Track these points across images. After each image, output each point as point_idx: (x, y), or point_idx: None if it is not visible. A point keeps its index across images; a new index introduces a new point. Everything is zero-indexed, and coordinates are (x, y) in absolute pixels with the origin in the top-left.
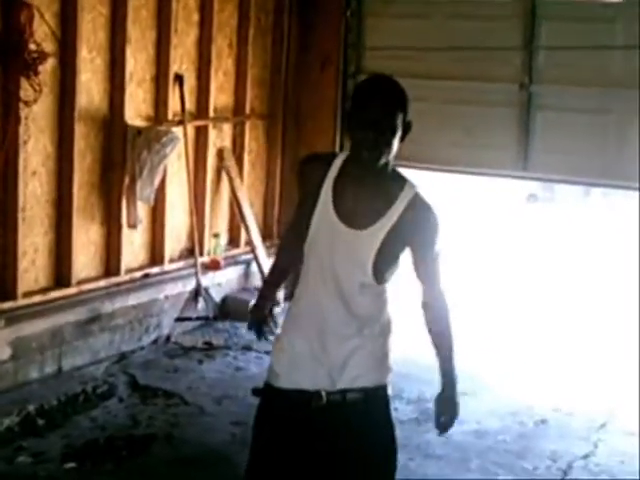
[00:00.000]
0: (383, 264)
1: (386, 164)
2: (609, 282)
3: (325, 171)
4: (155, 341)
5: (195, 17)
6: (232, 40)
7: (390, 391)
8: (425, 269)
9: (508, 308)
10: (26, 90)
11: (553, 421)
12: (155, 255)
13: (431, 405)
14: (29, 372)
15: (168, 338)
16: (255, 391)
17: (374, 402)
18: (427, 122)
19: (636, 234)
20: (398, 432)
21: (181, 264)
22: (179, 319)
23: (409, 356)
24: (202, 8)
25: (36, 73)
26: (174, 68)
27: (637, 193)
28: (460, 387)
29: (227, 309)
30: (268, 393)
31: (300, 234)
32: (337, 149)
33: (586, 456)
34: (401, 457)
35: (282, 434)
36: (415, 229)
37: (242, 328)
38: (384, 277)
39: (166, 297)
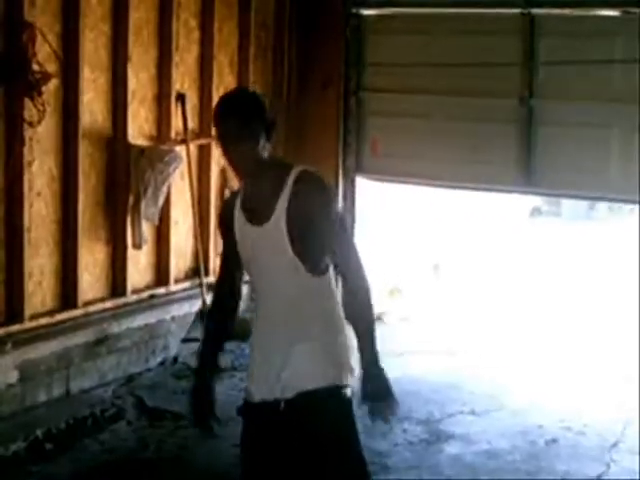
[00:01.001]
0: (304, 248)
1: (262, 161)
2: (614, 296)
3: (234, 198)
4: (162, 362)
5: (196, 35)
6: (233, 58)
7: (349, 392)
8: (332, 243)
9: (513, 323)
10: (30, 111)
11: (564, 440)
12: (161, 275)
13: (441, 426)
14: (37, 395)
15: (175, 359)
16: (239, 410)
17: (328, 403)
18: (428, 138)
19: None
20: (407, 453)
21: (187, 284)
22: (186, 340)
23: (418, 376)
24: (203, 27)
25: (39, 94)
26: (176, 87)
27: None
28: (469, 405)
29: (233, 329)
30: (245, 409)
31: (233, 259)
32: (340, 166)
33: (599, 477)
34: (411, 477)
35: (258, 444)
36: (307, 202)
37: (248, 348)
38: (315, 264)
39: (173, 318)
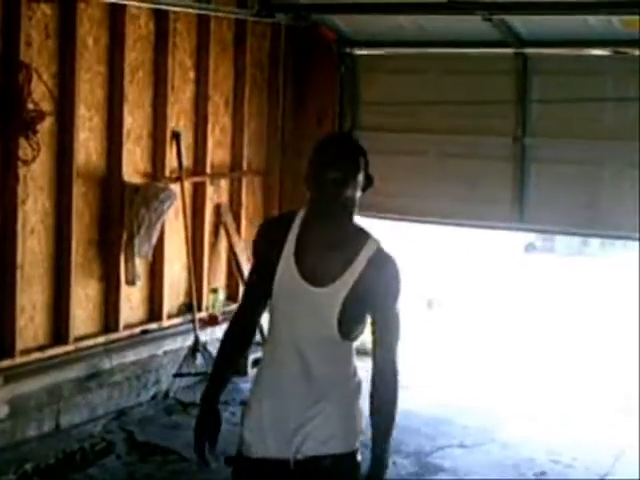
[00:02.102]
0: (348, 321)
1: (347, 219)
2: (607, 330)
3: (286, 230)
4: (154, 397)
5: (191, 75)
6: (228, 97)
7: (359, 457)
8: (382, 332)
9: (507, 357)
10: (25, 149)
11: (552, 473)
12: (154, 311)
13: (431, 459)
14: (27, 430)
15: (167, 394)
16: (227, 460)
17: (341, 470)
18: (423, 176)
19: (634, 284)
20: None
21: (179, 320)
22: (178, 375)
23: (410, 409)
24: (198, 66)
25: (34, 132)
26: (171, 125)
27: (635, 243)
28: (459, 438)
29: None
30: (239, 462)
31: (262, 293)
32: None
33: None
34: None
35: None
36: (376, 287)
37: (240, 383)
38: (350, 334)
39: (165, 353)
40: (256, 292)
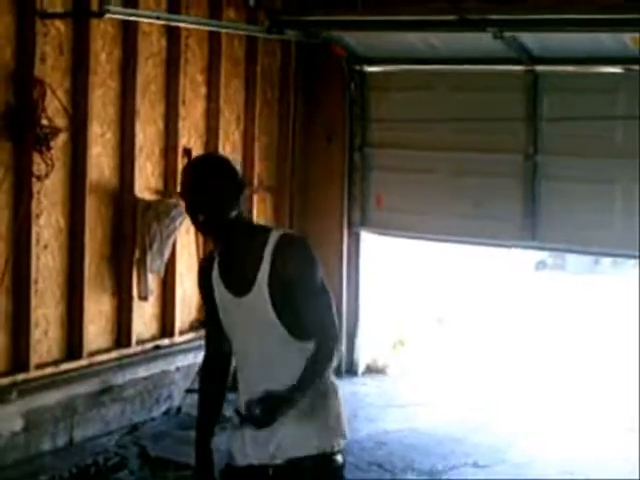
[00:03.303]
0: (284, 312)
1: (238, 226)
2: (617, 349)
3: (211, 263)
4: (166, 412)
5: (202, 91)
6: (239, 113)
7: (340, 458)
8: (310, 309)
9: (518, 375)
10: (38, 165)
11: None
12: (166, 326)
13: (444, 478)
14: (41, 444)
15: (179, 409)
16: (222, 474)
17: (322, 470)
18: (433, 193)
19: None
20: None
21: (191, 335)
22: (190, 390)
23: (422, 428)
24: (209, 82)
25: (48, 148)
26: (183, 141)
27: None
28: (472, 458)
29: (237, 380)
30: (227, 473)
31: (217, 324)
32: (345, 220)
33: None
34: None
35: None
36: (289, 267)
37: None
38: (300, 329)
39: (177, 368)
40: (212, 324)
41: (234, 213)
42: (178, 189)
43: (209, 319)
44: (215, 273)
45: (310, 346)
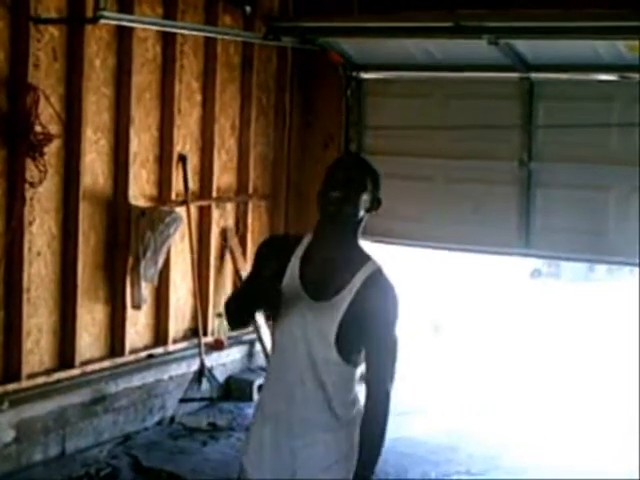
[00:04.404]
0: (348, 338)
1: (350, 238)
2: (613, 356)
3: (295, 245)
4: (159, 422)
5: (198, 98)
6: (234, 120)
7: None
8: (375, 362)
9: (512, 383)
10: (31, 171)
11: None
12: (159, 335)
13: None
14: (33, 454)
15: (172, 419)
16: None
17: None
18: (428, 200)
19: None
20: None
21: (185, 344)
22: (183, 400)
23: (415, 436)
24: (204, 89)
25: (41, 154)
26: (177, 148)
27: (638, 269)
28: (465, 466)
29: (231, 389)
30: None
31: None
32: None
33: None
34: None
35: None
36: (371, 309)
37: (246, 409)
38: (351, 355)
39: (170, 378)
40: (253, 291)
41: (354, 218)
42: (173, 196)
43: (252, 287)
44: (297, 256)
45: (355, 373)
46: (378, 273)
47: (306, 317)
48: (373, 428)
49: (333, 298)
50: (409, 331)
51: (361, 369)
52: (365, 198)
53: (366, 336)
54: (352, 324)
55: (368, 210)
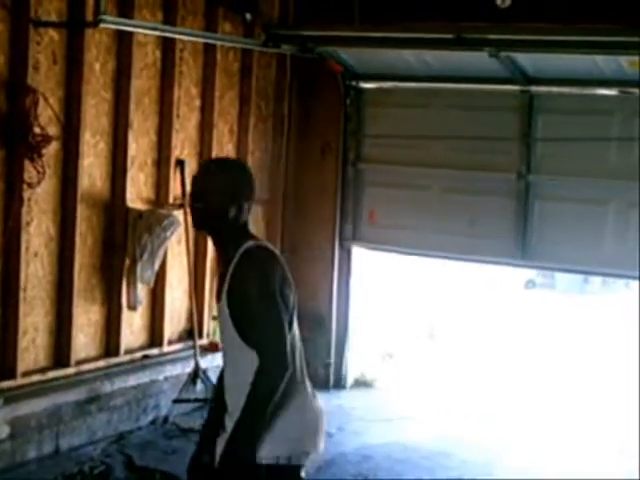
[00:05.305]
0: (243, 328)
1: (230, 235)
2: (607, 368)
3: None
4: (153, 422)
5: (197, 103)
6: (233, 126)
7: (303, 474)
8: (247, 332)
9: (506, 391)
10: (30, 172)
11: None
12: (155, 336)
13: None
14: (27, 452)
15: (166, 419)
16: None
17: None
18: (425, 210)
19: (635, 322)
20: None
21: (180, 346)
22: (177, 401)
23: (409, 442)
24: (203, 95)
25: (40, 156)
26: (175, 153)
27: (636, 282)
28: (458, 472)
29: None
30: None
31: None
32: (337, 234)
33: None
34: None
35: None
36: (239, 287)
37: None
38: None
39: (165, 378)
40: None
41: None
42: (170, 199)
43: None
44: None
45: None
46: (245, 253)
47: (220, 319)
48: (248, 399)
49: (222, 295)
50: (403, 338)
51: None
52: (212, 196)
53: (246, 315)
54: (236, 309)
55: (227, 201)
